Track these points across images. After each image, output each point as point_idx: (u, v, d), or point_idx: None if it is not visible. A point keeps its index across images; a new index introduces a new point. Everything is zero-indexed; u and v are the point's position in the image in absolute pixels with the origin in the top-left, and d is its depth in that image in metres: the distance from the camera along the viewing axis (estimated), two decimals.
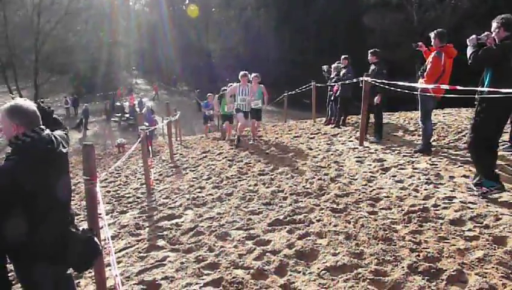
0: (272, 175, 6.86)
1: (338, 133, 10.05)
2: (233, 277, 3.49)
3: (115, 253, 4.24)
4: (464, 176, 5.64)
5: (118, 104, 35.12)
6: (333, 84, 10.92)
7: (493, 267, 3.20)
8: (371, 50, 9.04)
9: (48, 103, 32.54)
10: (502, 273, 3.12)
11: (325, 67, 11.99)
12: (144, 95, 44.61)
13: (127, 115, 29.90)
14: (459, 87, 5.45)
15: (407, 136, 9.02)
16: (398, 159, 6.87)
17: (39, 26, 37.65)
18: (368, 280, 3.21)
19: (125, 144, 18.79)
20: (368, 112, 8.58)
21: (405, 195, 5.14)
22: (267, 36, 32.60)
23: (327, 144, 8.94)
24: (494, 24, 4.62)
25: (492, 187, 4.68)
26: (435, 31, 6.71)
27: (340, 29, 29.20)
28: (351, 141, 8.94)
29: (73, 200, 6.26)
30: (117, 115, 31.40)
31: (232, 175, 7.25)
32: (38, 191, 2.30)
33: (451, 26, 20.06)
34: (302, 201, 5.33)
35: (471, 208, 4.42)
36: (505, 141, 6.70)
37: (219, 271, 3.66)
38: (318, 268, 3.50)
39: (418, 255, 3.48)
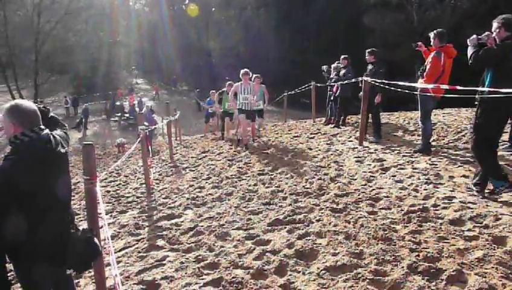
0: (271, 175, 6.86)
1: (338, 133, 10.06)
2: (233, 277, 3.49)
3: (115, 253, 4.24)
4: (464, 176, 5.64)
5: (118, 103, 35.11)
6: (333, 84, 10.93)
7: (493, 267, 3.20)
8: (369, 50, 9.06)
9: (47, 102, 32.58)
10: (501, 273, 3.12)
11: (324, 67, 11.99)
12: (144, 94, 44.61)
13: (127, 115, 29.88)
14: (458, 87, 5.45)
15: (406, 136, 9.03)
16: (398, 159, 6.87)
17: (39, 26, 37.64)
18: (367, 280, 3.21)
19: (125, 143, 18.80)
20: (368, 112, 8.59)
21: (405, 195, 5.14)
22: (267, 36, 32.60)
23: (327, 144, 8.94)
24: (495, 24, 4.62)
25: (502, 187, 4.66)
26: (435, 31, 6.71)
27: (340, 29, 29.20)
28: (351, 140, 8.94)
29: (73, 199, 6.25)
30: (117, 114, 31.39)
31: (231, 175, 7.25)
32: (36, 191, 2.30)
33: (451, 26, 20.06)
34: (301, 201, 5.33)
35: (471, 208, 4.43)
36: (504, 141, 6.70)
37: (219, 271, 3.66)
38: (318, 268, 3.50)
39: (418, 255, 3.49)
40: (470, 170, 5.79)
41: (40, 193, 2.33)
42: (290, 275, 3.48)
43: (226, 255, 3.96)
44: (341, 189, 5.63)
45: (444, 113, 11.13)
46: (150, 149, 9.95)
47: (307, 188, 5.85)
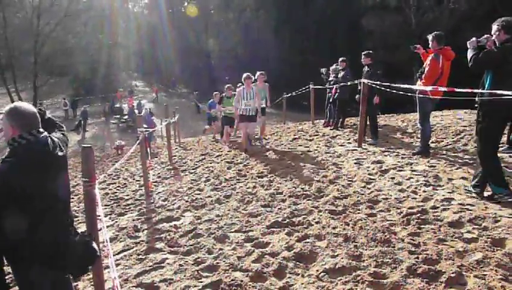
0: (270, 177, 6.86)
1: (337, 135, 10.06)
2: (232, 280, 3.49)
3: (114, 255, 4.23)
4: (463, 178, 5.65)
5: (117, 106, 35.13)
6: (331, 86, 10.94)
7: (492, 270, 3.20)
8: (365, 52, 9.09)
9: (46, 104, 32.57)
10: (500, 275, 3.12)
11: (323, 69, 12.01)
12: (143, 97, 44.62)
13: (126, 117, 29.89)
14: (457, 90, 5.46)
15: (405, 138, 9.04)
16: (397, 161, 6.88)
17: (39, 28, 37.63)
18: (366, 282, 3.21)
19: (124, 145, 18.78)
20: (366, 114, 8.60)
21: (404, 197, 5.14)
22: (266, 38, 32.65)
23: (326, 146, 8.95)
24: (494, 27, 4.62)
25: (501, 194, 4.67)
26: (433, 34, 6.73)
27: (339, 31, 29.27)
28: (350, 143, 8.94)
29: (71, 202, 6.25)
30: (116, 116, 31.39)
31: (230, 177, 7.25)
32: (34, 194, 2.30)
33: (449, 28, 20.10)
34: (300, 203, 5.33)
35: (470, 210, 4.43)
36: (501, 143, 6.71)
37: (218, 273, 3.65)
38: (317, 270, 3.50)
39: (417, 258, 3.49)
40: (468, 172, 5.80)
41: (38, 196, 2.32)
42: (289, 277, 3.48)
43: (225, 257, 3.96)
44: (340, 191, 5.63)
45: (442, 115, 11.14)
46: (148, 151, 9.93)
47: (306, 190, 5.85)
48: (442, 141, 8.16)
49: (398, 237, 3.97)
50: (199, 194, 6.52)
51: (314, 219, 4.69)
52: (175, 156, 11.19)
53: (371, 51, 9.12)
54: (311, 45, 30.14)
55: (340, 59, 10.89)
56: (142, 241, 4.79)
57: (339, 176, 6.45)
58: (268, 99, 10.90)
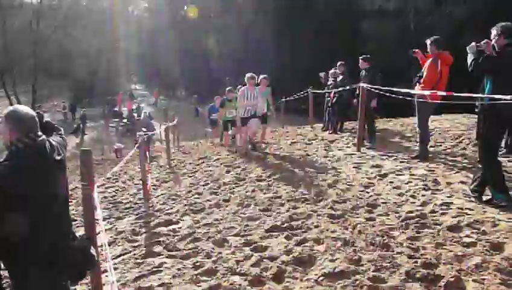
0: (269, 181, 6.86)
1: (335, 139, 10.07)
2: (231, 284, 3.48)
3: (112, 259, 4.22)
4: (461, 182, 5.65)
5: (116, 109, 35.17)
6: (330, 90, 10.96)
7: (491, 274, 3.20)
8: (362, 56, 9.12)
9: (45, 108, 32.57)
10: (499, 279, 3.11)
11: (322, 74, 12.05)
12: (143, 100, 44.68)
13: (125, 120, 29.91)
14: (455, 94, 5.47)
15: (404, 142, 9.05)
16: (396, 165, 6.88)
17: (38, 31, 37.72)
18: (365, 287, 3.21)
19: (123, 149, 18.76)
20: (365, 118, 8.62)
21: (402, 201, 5.14)
22: (266, 41, 32.67)
23: (324, 150, 8.95)
24: (494, 31, 4.63)
25: (500, 199, 4.66)
26: (431, 38, 6.75)
27: (339, 36, 29.28)
28: (349, 147, 8.95)
29: (70, 205, 6.24)
30: (115, 120, 31.41)
31: (229, 181, 7.24)
32: (31, 197, 2.29)
33: (448, 33, 20.12)
34: (299, 207, 5.32)
35: (469, 214, 4.43)
36: (500, 147, 6.72)
37: (216, 278, 3.64)
38: (316, 274, 3.50)
39: (416, 262, 3.48)
40: (467, 176, 5.80)
41: (35, 199, 2.31)
42: (288, 281, 3.47)
43: (223, 261, 3.95)
44: (339, 195, 5.63)
45: (441, 119, 11.16)
46: (147, 155, 9.92)
47: (305, 194, 5.84)
48: (441, 145, 8.17)
49: (397, 241, 3.96)
50: (198, 198, 6.51)
51: (313, 223, 4.69)
52: (174, 159, 11.18)
53: (368, 55, 9.16)
54: (311, 49, 30.13)
55: (339, 63, 10.92)
56: (141, 245, 4.78)
57: (338, 180, 6.45)
58: (271, 104, 10.73)
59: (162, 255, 4.36)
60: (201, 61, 43.97)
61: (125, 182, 9.58)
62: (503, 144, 6.79)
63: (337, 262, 3.64)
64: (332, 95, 10.85)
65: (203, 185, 7.27)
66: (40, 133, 2.47)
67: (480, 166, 4.94)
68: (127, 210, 6.64)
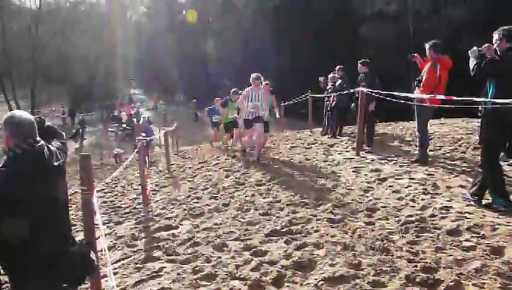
0: (268, 185, 6.86)
1: (335, 143, 10.07)
2: (230, 288, 3.48)
3: (111, 264, 4.22)
4: (461, 186, 5.65)
5: (115, 114, 35.21)
6: (329, 94, 10.98)
7: (491, 278, 3.20)
8: (361, 60, 9.15)
9: (44, 113, 32.58)
10: (499, 283, 3.11)
11: (321, 78, 12.08)
12: (142, 105, 44.69)
13: (124, 125, 29.92)
14: (455, 98, 5.49)
15: (403, 146, 9.05)
16: (395, 169, 6.88)
17: (37, 36, 37.79)
18: None
19: (122, 154, 18.76)
20: (364, 122, 8.64)
21: (402, 205, 5.14)
22: (265, 46, 32.71)
23: (324, 154, 8.95)
24: (496, 35, 4.64)
25: (500, 204, 4.66)
26: (430, 42, 6.78)
27: (338, 40, 29.36)
28: (348, 151, 8.95)
29: (70, 210, 6.23)
30: (114, 125, 31.43)
31: (229, 185, 7.24)
32: (28, 203, 2.29)
33: (447, 37, 20.19)
34: (299, 211, 5.32)
35: (468, 218, 4.43)
36: None
37: (216, 282, 3.64)
38: (316, 279, 3.49)
39: (416, 266, 3.48)
40: (466, 180, 5.80)
41: (33, 205, 2.31)
42: (287, 286, 3.47)
43: (223, 266, 3.95)
44: (338, 199, 5.63)
45: (440, 123, 11.17)
46: (147, 160, 9.91)
47: (305, 198, 5.84)
48: (440, 149, 8.17)
49: (397, 246, 3.96)
50: (197, 202, 6.51)
51: (312, 228, 4.69)
52: (173, 164, 11.19)
53: (367, 60, 9.19)
54: (310, 53, 30.19)
55: (337, 67, 10.94)
56: (140, 249, 4.77)
57: (337, 184, 6.45)
58: (277, 111, 10.50)
59: (162, 259, 4.36)
60: (200, 66, 44.01)
61: (125, 186, 9.58)
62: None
63: (337, 266, 3.64)
64: (331, 99, 10.87)
65: (203, 190, 7.27)
66: (38, 138, 2.47)
67: (480, 170, 4.94)
68: (127, 215, 6.64)
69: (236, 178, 7.70)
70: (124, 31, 59.00)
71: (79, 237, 3.99)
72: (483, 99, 4.95)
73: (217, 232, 4.91)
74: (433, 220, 4.51)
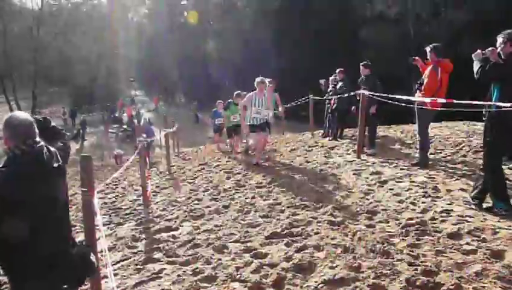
0: (269, 188, 6.86)
1: (335, 146, 10.07)
2: None
3: (112, 265, 4.22)
4: (462, 189, 5.65)
5: (116, 115, 35.25)
6: (330, 97, 10.99)
7: (491, 282, 3.19)
8: (363, 62, 9.15)
9: (45, 113, 32.61)
10: (500, 287, 3.11)
11: (322, 81, 12.08)
12: (142, 106, 44.73)
13: (125, 126, 29.95)
14: (456, 101, 5.48)
15: (404, 149, 9.05)
16: (396, 172, 6.88)
17: (38, 38, 37.84)
18: None
19: (123, 155, 18.77)
20: (365, 125, 8.64)
21: (402, 208, 5.14)
22: (265, 47, 32.73)
23: (324, 156, 8.95)
24: (500, 39, 4.63)
25: (501, 208, 4.66)
26: (431, 45, 6.78)
27: (338, 42, 29.38)
28: (349, 153, 8.95)
29: (70, 211, 6.23)
30: (115, 126, 31.45)
31: (229, 187, 7.24)
32: (27, 204, 2.29)
33: (447, 40, 20.20)
34: (299, 214, 5.32)
35: (469, 222, 4.42)
36: None
37: (216, 284, 3.64)
38: (316, 281, 3.49)
39: (416, 269, 3.47)
40: (467, 184, 5.80)
41: (32, 206, 2.31)
42: (287, 288, 3.47)
43: (223, 268, 3.95)
44: (339, 202, 5.63)
45: (441, 127, 11.17)
46: (147, 161, 9.90)
47: (305, 201, 5.84)
48: (441, 152, 8.17)
49: (397, 249, 3.96)
50: (198, 204, 6.51)
51: (313, 230, 4.68)
52: (174, 165, 11.19)
53: (369, 62, 9.20)
54: (311, 55, 30.21)
55: (338, 70, 10.94)
56: (140, 251, 4.78)
57: (338, 186, 6.45)
58: (281, 110, 10.25)
59: (162, 261, 4.36)
60: (201, 67, 44.06)
61: (125, 188, 9.58)
62: None
63: (337, 269, 3.63)
64: (332, 101, 10.87)
65: (203, 191, 7.27)
66: (38, 139, 2.47)
67: (481, 173, 4.94)
68: (127, 216, 6.64)
69: (237, 180, 7.70)
70: (125, 32, 59.11)
71: (79, 238, 4.00)
72: (484, 102, 4.94)
73: (217, 234, 4.91)
74: (434, 223, 4.51)
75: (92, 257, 2.75)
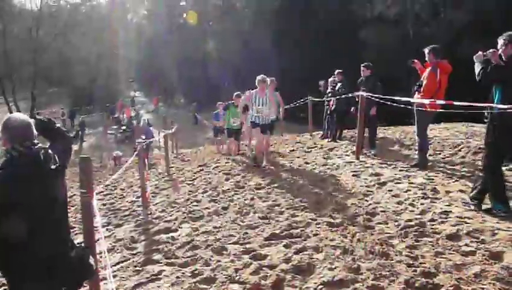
0: (268, 189, 6.85)
1: (334, 147, 10.07)
2: None
3: (111, 267, 4.21)
4: (460, 190, 5.65)
5: (116, 116, 35.22)
6: (329, 98, 10.99)
7: (490, 283, 3.20)
8: (365, 64, 9.16)
9: (44, 114, 32.59)
10: (499, 288, 3.11)
11: (321, 82, 12.08)
12: (142, 107, 44.70)
13: (124, 127, 29.91)
14: (455, 102, 5.49)
15: (403, 150, 9.05)
16: (395, 174, 6.88)
17: (38, 39, 37.82)
18: None
19: (122, 156, 18.74)
20: (364, 126, 8.64)
21: (401, 209, 5.14)
22: (265, 49, 32.74)
23: (324, 158, 8.95)
24: (501, 41, 4.62)
25: (500, 210, 4.66)
26: (429, 47, 6.79)
27: (338, 43, 29.41)
28: (348, 155, 8.95)
29: (69, 212, 6.22)
30: (114, 127, 31.42)
31: (228, 189, 7.24)
32: (24, 206, 2.29)
33: (447, 41, 20.22)
34: (298, 215, 5.32)
35: (468, 223, 4.43)
36: None
37: (215, 286, 3.64)
38: (315, 283, 3.49)
39: (415, 271, 3.48)
40: (466, 185, 5.80)
41: (29, 208, 2.31)
42: None
43: (222, 269, 3.94)
44: (338, 203, 5.63)
45: (440, 128, 11.17)
46: (146, 162, 9.88)
47: (304, 202, 5.84)
48: (440, 154, 8.17)
49: (396, 250, 3.96)
50: (197, 205, 6.50)
51: (312, 231, 4.68)
52: (173, 167, 11.18)
53: (370, 63, 9.20)
54: (310, 56, 30.23)
55: (337, 71, 10.95)
56: (140, 252, 4.77)
57: (337, 188, 6.45)
58: (281, 111, 10.09)
59: (161, 262, 4.35)
60: (200, 68, 44.04)
61: (124, 189, 9.57)
62: None
63: (336, 270, 3.63)
64: (331, 103, 10.88)
65: (202, 193, 7.26)
66: (36, 141, 2.47)
67: (481, 174, 4.94)
68: (126, 217, 6.63)
69: (236, 181, 7.70)
70: (124, 33, 59.03)
71: (78, 239, 4.00)
72: (482, 104, 4.95)
73: (216, 236, 4.91)
74: (433, 225, 4.51)
75: (91, 260, 2.74)
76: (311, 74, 21.19)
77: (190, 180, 8.65)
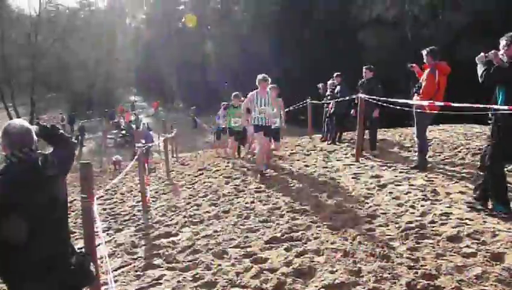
0: (268, 192, 6.85)
1: (334, 150, 10.07)
2: None
3: (112, 271, 4.21)
4: (461, 192, 5.65)
5: (116, 120, 35.24)
6: (328, 101, 11.00)
7: (491, 285, 3.19)
8: (367, 66, 9.17)
9: (44, 119, 32.58)
10: None
11: (320, 85, 12.10)
12: (142, 112, 44.71)
13: (123, 132, 29.91)
14: (454, 104, 5.49)
15: (403, 152, 9.06)
16: (395, 176, 6.88)
17: (36, 44, 37.85)
18: None
19: (122, 161, 18.73)
20: (364, 129, 8.64)
21: (402, 212, 5.14)
22: (264, 52, 32.82)
23: (323, 160, 8.95)
24: (503, 42, 4.62)
25: (501, 211, 4.65)
26: (427, 49, 6.80)
27: (337, 46, 29.50)
28: (347, 157, 8.95)
29: (69, 217, 6.21)
30: (113, 131, 31.42)
31: (228, 192, 7.23)
32: (23, 212, 2.29)
33: (445, 43, 20.28)
34: (299, 218, 5.31)
35: (469, 225, 4.43)
36: None
37: None
38: (316, 286, 3.48)
39: (416, 273, 3.47)
40: (466, 186, 5.81)
41: (28, 213, 2.31)
42: None
43: (223, 273, 3.94)
44: (338, 206, 5.63)
45: (439, 130, 11.19)
46: (146, 167, 9.86)
47: (304, 205, 5.84)
48: (440, 155, 8.18)
49: (397, 252, 3.96)
50: (197, 209, 6.50)
51: (312, 234, 4.68)
52: (173, 171, 11.18)
53: (372, 66, 9.21)
54: (309, 59, 30.31)
55: (335, 74, 10.96)
56: (140, 257, 4.77)
57: (337, 190, 6.45)
58: (283, 118, 9.97)
59: (162, 267, 4.35)
60: (199, 72, 44.15)
61: (124, 194, 9.56)
62: None
63: (337, 273, 3.63)
64: (330, 105, 10.89)
65: (202, 197, 7.26)
66: (35, 147, 2.48)
67: (481, 173, 4.92)
68: (126, 222, 6.63)
69: (236, 185, 7.70)
70: (123, 38, 59.15)
71: (79, 244, 3.99)
72: (480, 105, 4.94)
73: (217, 240, 4.91)
74: (433, 227, 4.51)
75: (92, 266, 2.74)
76: (311, 76, 21.24)
77: (190, 184, 8.65)
